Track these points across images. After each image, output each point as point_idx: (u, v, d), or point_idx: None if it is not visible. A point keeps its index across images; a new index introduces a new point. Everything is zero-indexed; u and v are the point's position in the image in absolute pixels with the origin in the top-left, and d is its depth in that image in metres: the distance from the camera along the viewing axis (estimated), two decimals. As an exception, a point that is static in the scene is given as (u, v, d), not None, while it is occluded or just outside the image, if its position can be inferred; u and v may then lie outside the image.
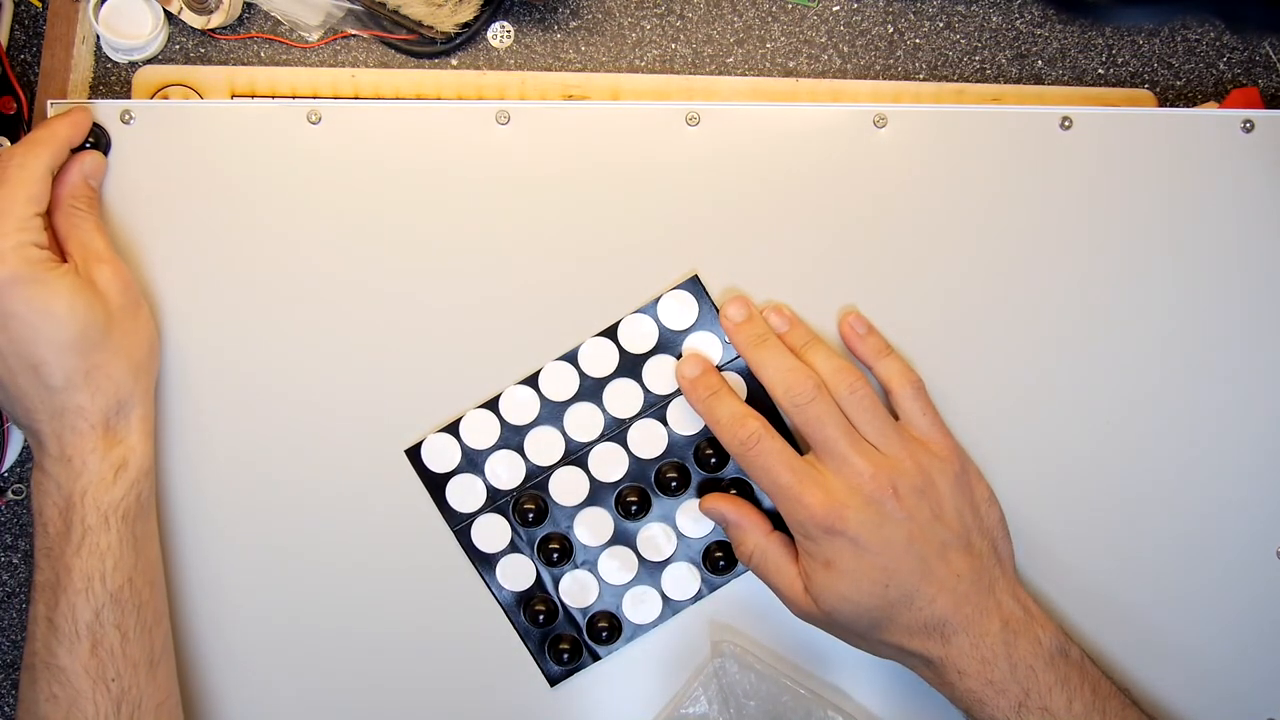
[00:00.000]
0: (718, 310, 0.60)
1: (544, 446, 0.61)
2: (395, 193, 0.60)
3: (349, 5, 0.63)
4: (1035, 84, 0.65)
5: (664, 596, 0.62)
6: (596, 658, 0.62)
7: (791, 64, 0.65)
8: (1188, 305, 0.61)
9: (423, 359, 0.60)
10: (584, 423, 0.61)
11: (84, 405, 0.54)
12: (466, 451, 0.61)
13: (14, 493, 0.64)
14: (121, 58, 0.63)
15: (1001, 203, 0.60)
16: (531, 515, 0.60)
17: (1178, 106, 0.65)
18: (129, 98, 0.63)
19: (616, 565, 0.62)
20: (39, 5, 0.63)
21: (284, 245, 0.60)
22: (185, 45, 0.64)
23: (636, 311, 0.60)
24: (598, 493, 0.61)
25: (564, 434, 0.61)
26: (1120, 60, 0.65)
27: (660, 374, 0.61)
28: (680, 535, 0.61)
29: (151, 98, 0.63)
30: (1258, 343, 0.61)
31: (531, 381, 0.61)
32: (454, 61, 0.64)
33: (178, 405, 0.60)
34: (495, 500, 0.61)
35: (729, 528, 0.59)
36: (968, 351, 0.61)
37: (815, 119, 0.60)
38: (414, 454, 0.61)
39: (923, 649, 0.55)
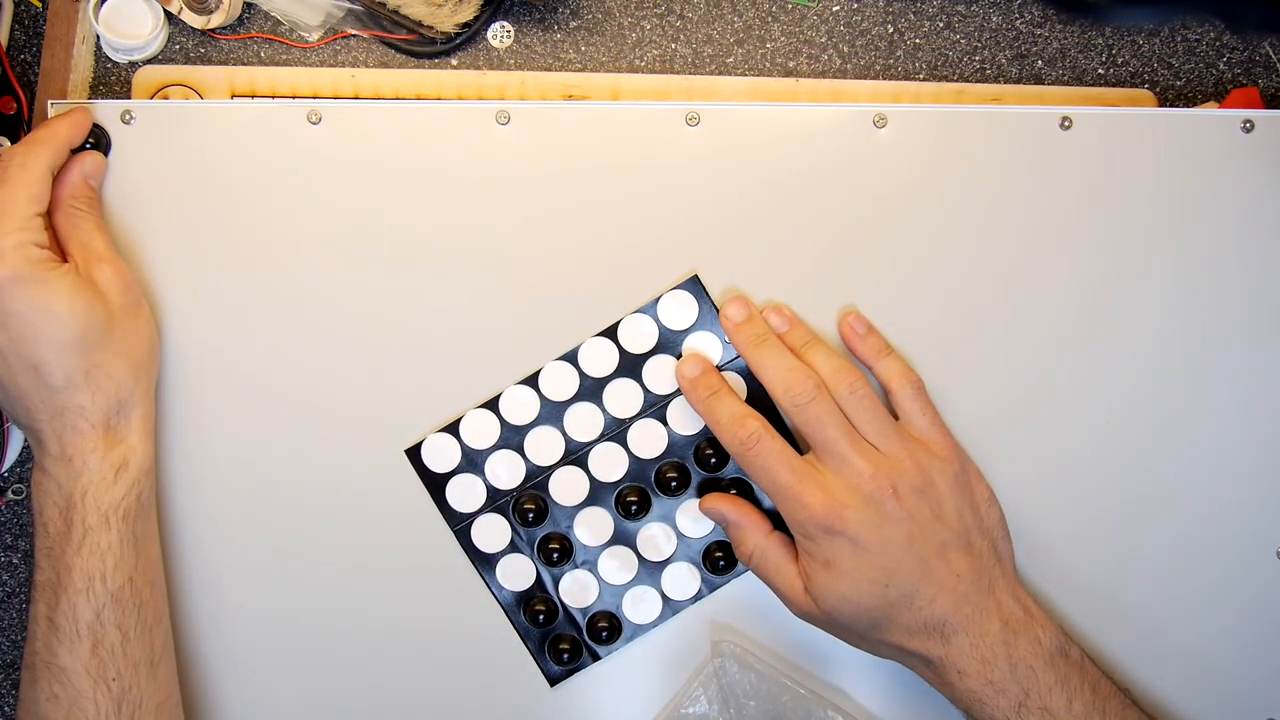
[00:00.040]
0: (718, 310, 0.60)
1: (544, 446, 0.61)
2: (395, 193, 0.60)
3: (349, 5, 0.63)
4: (1035, 84, 0.65)
5: (664, 596, 0.62)
6: (596, 658, 0.62)
7: (791, 64, 0.65)
8: (1188, 305, 0.61)
9: (423, 359, 0.60)
10: (584, 423, 0.61)
11: (84, 405, 0.54)
12: (466, 451, 0.61)
13: (14, 493, 0.64)
14: (121, 58, 0.63)
15: (1001, 203, 0.60)
16: (531, 515, 0.60)
17: (1178, 106, 0.65)
18: (129, 98, 0.63)
19: (616, 565, 0.62)
20: (39, 5, 0.63)
21: (284, 245, 0.60)
22: (185, 45, 0.64)
23: (636, 311, 0.60)
24: (598, 493, 0.61)
25: (564, 434, 0.61)
26: (1120, 60, 0.65)
27: (660, 374, 0.61)
28: (680, 535, 0.61)
29: (151, 98, 0.63)
30: (1258, 343, 0.61)
31: (531, 381, 0.61)
32: (454, 61, 0.64)
33: (178, 405, 0.60)
34: (495, 500, 0.61)
35: (729, 528, 0.59)
36: (968, 351, 0.61)
37: (815, 119, 0.60)
38: (414, 454, 0.61)
39: (923, 649, 0.55)
